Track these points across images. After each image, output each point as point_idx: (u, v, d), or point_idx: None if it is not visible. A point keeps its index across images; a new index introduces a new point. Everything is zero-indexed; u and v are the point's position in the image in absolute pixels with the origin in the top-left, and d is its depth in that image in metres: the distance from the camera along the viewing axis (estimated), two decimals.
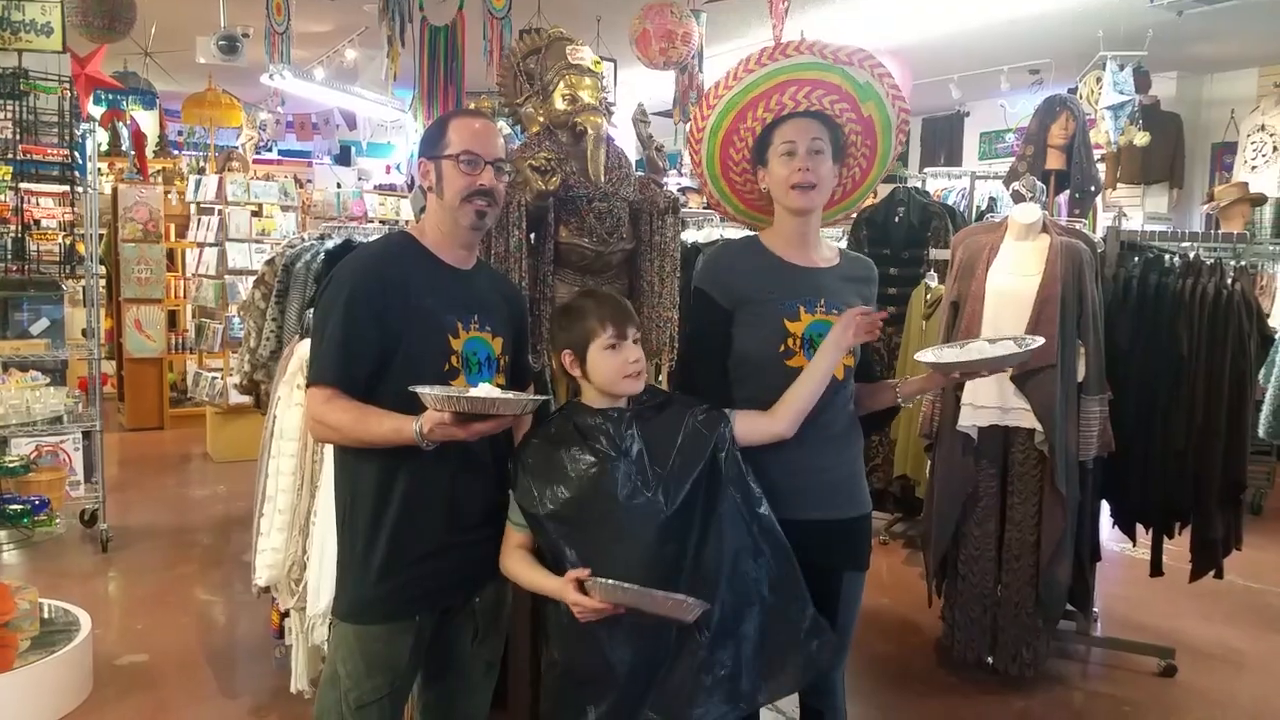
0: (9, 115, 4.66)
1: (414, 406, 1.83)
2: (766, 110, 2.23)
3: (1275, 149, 7.68)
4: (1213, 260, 3.64)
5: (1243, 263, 3.82)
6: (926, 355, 2.23)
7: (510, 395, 1.85)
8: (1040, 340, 2.21)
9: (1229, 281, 3.56)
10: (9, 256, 4.79)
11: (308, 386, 2.02)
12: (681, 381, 2.60)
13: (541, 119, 2.68)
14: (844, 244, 4.73)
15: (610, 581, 1.83)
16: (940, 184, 6.38)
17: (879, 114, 2.23)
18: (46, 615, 3.50)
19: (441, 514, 2.02)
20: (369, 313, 1.96)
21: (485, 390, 1.82)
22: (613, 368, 2.00)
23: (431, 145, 2.09)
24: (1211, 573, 3.71)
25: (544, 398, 2.04)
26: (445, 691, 2.19)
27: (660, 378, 2.93)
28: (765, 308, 2.21)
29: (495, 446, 2.05)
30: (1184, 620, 4.28)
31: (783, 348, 2.19)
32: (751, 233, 2.45)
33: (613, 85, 7.00)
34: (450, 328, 2.02)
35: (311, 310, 2.75)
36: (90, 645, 3.45)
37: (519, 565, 2.03)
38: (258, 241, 7.59)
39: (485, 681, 2.17)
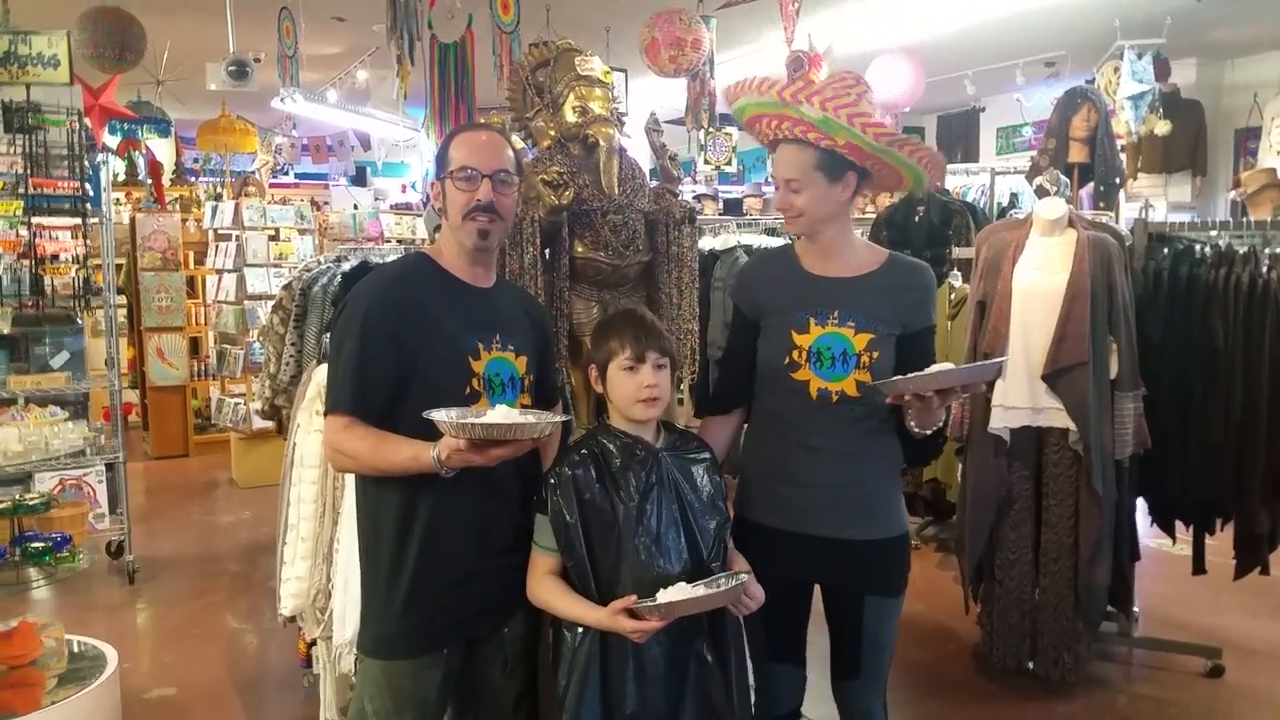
0: (19, 150, 4.65)
1: (435, 432, 1.77)
2: (759, 135, 2.23)
3: None
4: (1246, 249, 3.54)
5: (1275, 249, 3.71)
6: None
7: (528, 419, 1.77)
8: (1002, 359, 2.23)
9: (1264, 270, 3.47)
10: (25, 291, 4.78)
11: (325, 414, 1.98)
12: (710, 389, 2.54)
13: (553, 132, 2.63)
14: None
15: (662, 600, 1.80)
16: (958, 181, 6.30)
17: (858, 140, 2.06)
18: (74, 651, 3.47)
19: (467, 541, 1.96)
20: (385, 337, 1.92)
21: (501, 415, 1.75)
22: (627, 390, 1.96)
23: (439, 165, 2.05)
24: (1257, 569, 3.61)
25: (565, 418, 1.98)
26: None
27: (682, 388, 2.88)
28: (778, 319, 2.18)
29: (520, 467, 1.98)
30: (1229, 618, 4.17)
31: (787, 360, 2.13)
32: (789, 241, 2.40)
33: (624, 95, 6.96)
34: (471, 349, 1.97)
35: (329, 334, 2.73)
36: (118, 680, 3.41)
37: (553, 594, 1.96)
38: (276, 266, 7.61)
39: (519, 714, 2.11)
